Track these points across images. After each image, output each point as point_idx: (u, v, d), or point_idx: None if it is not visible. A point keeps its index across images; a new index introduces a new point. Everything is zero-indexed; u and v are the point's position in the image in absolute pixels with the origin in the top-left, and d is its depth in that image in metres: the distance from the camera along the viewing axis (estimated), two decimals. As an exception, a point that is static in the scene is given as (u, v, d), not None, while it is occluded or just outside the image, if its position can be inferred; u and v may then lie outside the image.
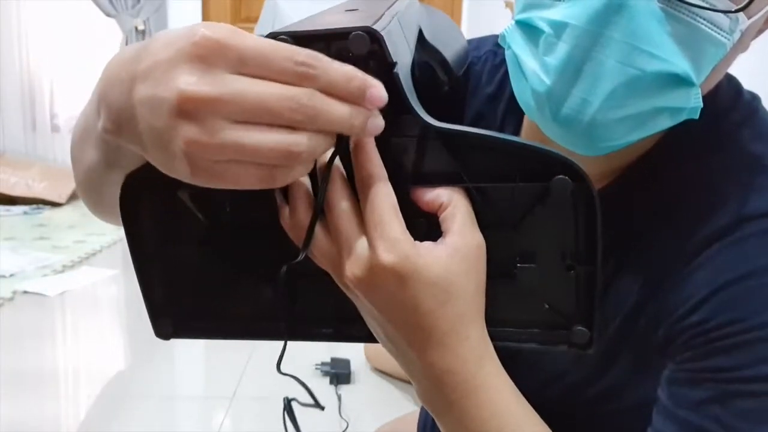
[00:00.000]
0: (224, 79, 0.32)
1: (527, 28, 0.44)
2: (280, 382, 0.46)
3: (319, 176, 0.40)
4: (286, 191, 0.41)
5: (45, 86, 4.15)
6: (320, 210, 0.40)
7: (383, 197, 0.39)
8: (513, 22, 0.46)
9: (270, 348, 0.49)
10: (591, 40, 0.40)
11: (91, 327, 2.23)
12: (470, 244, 0.40)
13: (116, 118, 0.35)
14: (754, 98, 0.51)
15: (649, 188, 0.49)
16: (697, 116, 0.43)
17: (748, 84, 0.52)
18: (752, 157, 0.47)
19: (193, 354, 1.99)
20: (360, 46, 0.36)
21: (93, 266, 2.73)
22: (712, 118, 0.48)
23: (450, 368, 0.41)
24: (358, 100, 0.34)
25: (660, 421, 0.45)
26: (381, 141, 0.38)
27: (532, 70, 0.44)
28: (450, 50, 0.56)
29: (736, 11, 0.39)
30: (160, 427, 1.56)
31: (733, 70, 0.48)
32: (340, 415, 1.58)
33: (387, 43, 0.37)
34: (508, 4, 3.01)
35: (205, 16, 3.96)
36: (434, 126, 0.40)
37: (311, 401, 0.41)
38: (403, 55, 0.41)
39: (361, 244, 0.39)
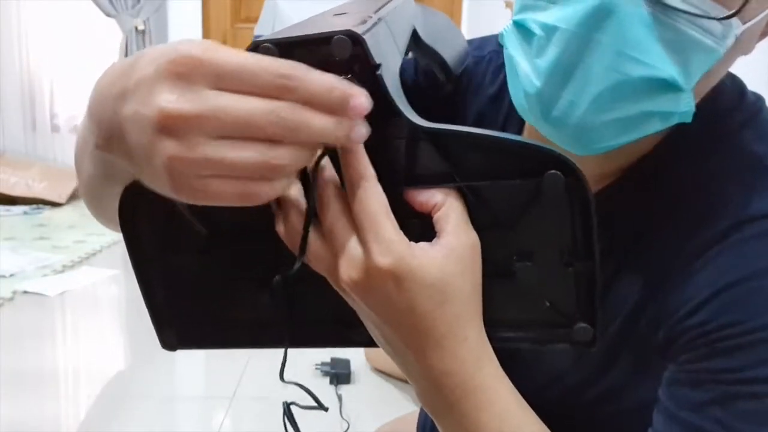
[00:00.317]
0: (204, 95, 0.32)
1: (522, 30, 0.44)
2: (280, 382, 0.46)
3: (312, 179, 0.40)
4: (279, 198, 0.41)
5: (45, 86, 4.15)
6: (313, 214, 0.40)
7: (373, 198, 0.38)
8: (510, 23, 0.46)
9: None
10: (580, 43, 0.40)
11: (91, 327, 2.23)
12: (465, 244, 0.40)
13: (106, 134, 0.35)
14: (758, 99, 0.51)
15: (649, 189, 0.49)
16: (689, 120, 0.43)
17: (751, 85, 0.52)
18: (754, 158, 0.47)
19: (193, 354, 1.98)
20: (343, 50, 0.36)
21: (93, 266, 2.73)
22: (715, 119, 0.48)
23: (448, 370, 0.41)
24: (340, 111, 0.34)
25: (661, 422, 0.45)
26: (370, 144, 0.38)
27: (524, 71, 0.44)
28: (448, 50, 0.56)
29: (727, 18, 0.39)
30: (160, 428, 1.56)
31: (738, 71, 0.48)
32: (341, 416, 1.58)
33: (370, 46, 0.36)
34: (508, 4, 3.01)
35: (205, 16, 3.96)
36: (422, 126, 0.39)
37: (313, 403, 0.41)
38: (390, 57, 0.41)
39: (356, 247, 0.39)
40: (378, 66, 0.37)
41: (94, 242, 3.07)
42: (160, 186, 0.34)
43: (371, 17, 0.40)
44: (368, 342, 0.45)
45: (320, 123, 0.33)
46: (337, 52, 0.36)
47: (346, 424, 1.54)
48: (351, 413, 1.58)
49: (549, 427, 0.45)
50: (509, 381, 0.44)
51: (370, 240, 0.38)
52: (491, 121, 0.58)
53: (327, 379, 1.77)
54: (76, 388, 1.80)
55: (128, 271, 0.48)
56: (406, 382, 0.46)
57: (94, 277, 2.57)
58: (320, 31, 0.37)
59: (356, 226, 0.39)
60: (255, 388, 1.74)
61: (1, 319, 2.14)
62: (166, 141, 0.32)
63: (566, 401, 0.54)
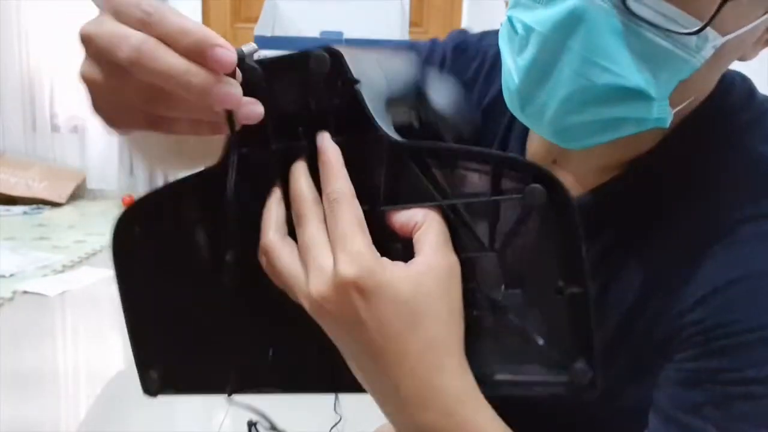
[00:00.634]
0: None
1: (509, 26, 0.45)
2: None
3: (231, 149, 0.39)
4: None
5: (45, 86, 4.14)
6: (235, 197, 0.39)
7: (347, 211, 0.38)
8: (505, 17, 0.46)
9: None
10: (554, 47, 0.41)
11: (91, 327, 2.23)
12: (442, 265, 0.39)
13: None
14: (767, 100, 0.51)
15: (651, 184, 0.49)
16: (666, 126, 0.43)
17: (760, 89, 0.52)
18: (758, 158, 0.47)
19: (193, 354, 1.99)
20: (321, 66, 0.36)
21: (93, 266, 2.73)
22: (722, 117, 0.48)
23: (424, 403, 0.39)
24: (197, 57, 0.33)
25: (657, 423, 0.45)
26: (350, 162, 0.38)
27: (508, 68, 0.45)
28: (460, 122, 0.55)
29: (694, 33, 0.39)
30: (160, 428, 1.56)
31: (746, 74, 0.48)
32: (334, 410, 1.58)
33: (348, 62, 0.37)
34: (507, 3, 3.01)
35: (205, 16, 3.96)
36: (400, 142, 0.39)
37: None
38: (375, 80, 0.41)
39: (327, 261, 0.38)
40: (356, 81, 0.37)
41: (94, 242, 3.07)
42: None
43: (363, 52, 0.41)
44: (357, 387, 0.43)
45: (171, 61, 0.33)
46: (316, 67, 0.36)
47: (338, 417, 1.54)
48: (345, 409, 1.58)
49: (548, 429, 0.45)
50: (494, 413, 0.41)
51: (338, 252, 0.37)
52: (497, 114, 0.58)
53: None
54: (76, 388, 1.80)
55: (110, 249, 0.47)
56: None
57: (94, 277, 2.57)
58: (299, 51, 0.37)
59: (331, 245, 0.38)
60: (255, 388, 1.74)
61: (1, 319, 2.14)
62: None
63: (565, 402, 0.54)
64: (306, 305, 0.40)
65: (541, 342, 0.39)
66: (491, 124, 0.58)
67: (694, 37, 0.40)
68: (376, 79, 0.42)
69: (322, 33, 2.39)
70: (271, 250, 0.41)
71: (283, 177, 0.41)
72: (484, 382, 0.40)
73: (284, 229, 0.42)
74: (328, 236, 0.39)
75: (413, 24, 3.32)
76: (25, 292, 2.35)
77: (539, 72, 0.42)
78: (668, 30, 0.39)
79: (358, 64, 0.39)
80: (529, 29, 0.42)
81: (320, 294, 0.38)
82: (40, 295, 2.33)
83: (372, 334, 0.38)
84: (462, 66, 0.60)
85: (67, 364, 1.93)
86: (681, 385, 0.44)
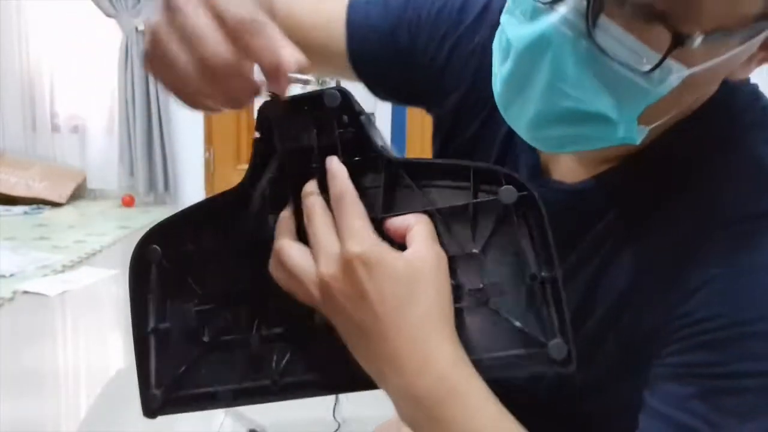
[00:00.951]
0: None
1: (500, 33, 0.46)
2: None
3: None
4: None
5: (45, 86, 4.15)
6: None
7: (352, 206, 0.44)
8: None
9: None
10: (527, 64, 0.42)
11: (92, 327, 2.24)
12: (430, 254, 0.44)
13: None
14: None
15: (648, 178, 0.49)
16: (636, 143, 0.44)
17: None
18: (758, 159, 0.47)
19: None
20: (333, 100, 0.45)
21: (93, 266, 2.74)
22: (726, 117, 0.48)
23: (420, 370, 0.42)
24: (271, 75, 0.41)
25: (645, 419, 0.45)
26: (355, 181, 0.45)
27: (494, 71, 0.47)
28: None
29: (647, 72, 0.40)
30: (160, 427, 1.56)
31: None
32: (333, 417, 1.58)
33: (354, 99, 0.45)
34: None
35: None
36: (398, 159, 0.47)
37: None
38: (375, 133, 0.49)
39: (334, 244, 0.43)
40: (361, 112, 0.46)
41: (94, 242, 3.08)
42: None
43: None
44: (349, 384, 0.47)
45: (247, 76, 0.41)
46: (328, 101, 0.45)
47: (337, 425, 1.54)
48: (345, 414, 1.59)
49: (536, 426, 0.45)
50: (486, 387, 0.44)
51: (346, 233, 0.43)
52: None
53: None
54: (76, 388, 1.80)
55: (128, 270, 0.48)
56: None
57: (95, 277, 2.57)
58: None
59: (338, 234, 0.44)
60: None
61: (2, 319, 2.14)
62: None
63: (553, 392, 0.54)
64: (315, 293, 0.44)
65: (519, 325, 0.45)
66: None
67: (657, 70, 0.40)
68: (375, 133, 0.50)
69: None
70: (283, 250, 0.45)
71: (296, 196, 0.47)
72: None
73: (295, 237, 0.46)
74: (335, 230, 0.44)
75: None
76: (26, 292, 2.36)
77: (516, 84, 0.44)
78: (626, 65, 0.40)
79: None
80: (509, 43, 0.43)
81: (329, 273, 0.43)
82: (41, 295, 2.34)
83: (375, 306, 0.42)
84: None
85: (67, 363, 1.93)
86: (668, 380, 0.45)
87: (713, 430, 0.42)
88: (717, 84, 0.46)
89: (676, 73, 0.40)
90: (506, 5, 0.45)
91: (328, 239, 0.44)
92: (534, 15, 0.41)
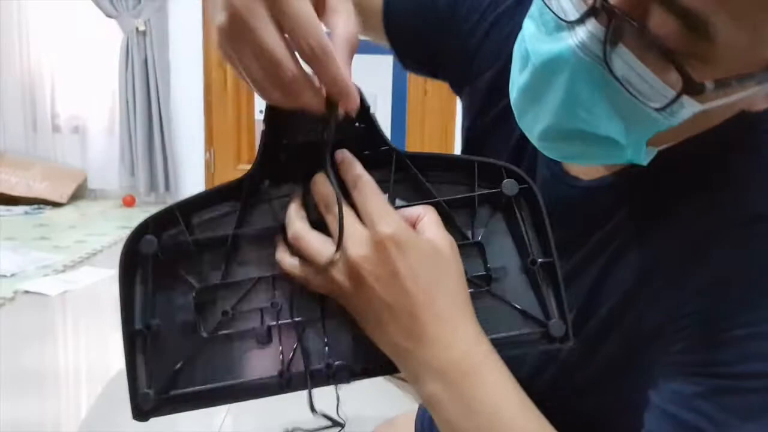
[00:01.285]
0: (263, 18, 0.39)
1: (521, 39, 0.46)
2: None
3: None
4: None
5: (46, 86, 4.15)
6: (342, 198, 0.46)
7: (371, 190, 0.45)
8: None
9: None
10: (543, 81, 0.43)
11: (92, 327, 2.24)
12: (445, 241, 0.46)
13: None
14: None
15: (667, 178, 0.49)
16: (644, 164, 0.45)
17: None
18: None
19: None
20: None
21: (94, 266, 2.74)
22: (746, 124, 0.48)
23: (449, 343, 0.44)
24: (341, 98, 0.43)
25: (650, 418, 0.46)
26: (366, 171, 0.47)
27: (512, 77, 0.47)
28: None
29: (658, 109, 0.40)
30: (160, 427, 1.56)
31: None
32: (337, 414, 1.58)
33: (365, 96, 0.46)
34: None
35: (206, 17, 3.96)
36: (407, 153, 0.49)
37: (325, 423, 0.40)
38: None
39: (360, 228, 0.45)
40: (369, 107, 0.47)
41: (94, 242, 3.08)
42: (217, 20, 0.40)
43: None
44: (350, 375, 0.48)
45: (307, 96, 0.41)
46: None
47: (344, 422, 1.54)
48: (348, 412, 1.58)
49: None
50: (502, 361, 0.46)
51: (374, 216, 0.44)
52: None
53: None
54: (76, 387, 1.80)
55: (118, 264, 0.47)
56: (404, 380, 0.46)
57: (95, 277, 2.57)
58: None
59: (358, 216, 0.45)
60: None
61: (2, 319, 2.15)
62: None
63: (557, 386, 0.54)
64: (339, 277, 0.45)
65: (521, 308, 0.48)
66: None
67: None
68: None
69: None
70: (301, 236, 0.46)
71: (305, 189, 0.48)
72: None
73: (308, 223, 0.47)
74: (354, 213, 0.45)
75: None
76: (26, 292, 2.36)
77: (531, 97, 0.45)
78: (639, 96, 0.40)
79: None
80: (527, 54, 0.44)
81: (361, 255, 0.44)
82: (41, 295, 2.34)
83: (407, 283, 0.44)
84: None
85: (67, 363, 1.93)
86: (673, 378, 0.45)
87: (718, 430, 0.42)
88: (734, 112, 0.45)
89: (689, 107, 0.40)
90: (530, 9, 0.45)
91: (352, 224, 0.45)
92: (554, 30, 0.41)
